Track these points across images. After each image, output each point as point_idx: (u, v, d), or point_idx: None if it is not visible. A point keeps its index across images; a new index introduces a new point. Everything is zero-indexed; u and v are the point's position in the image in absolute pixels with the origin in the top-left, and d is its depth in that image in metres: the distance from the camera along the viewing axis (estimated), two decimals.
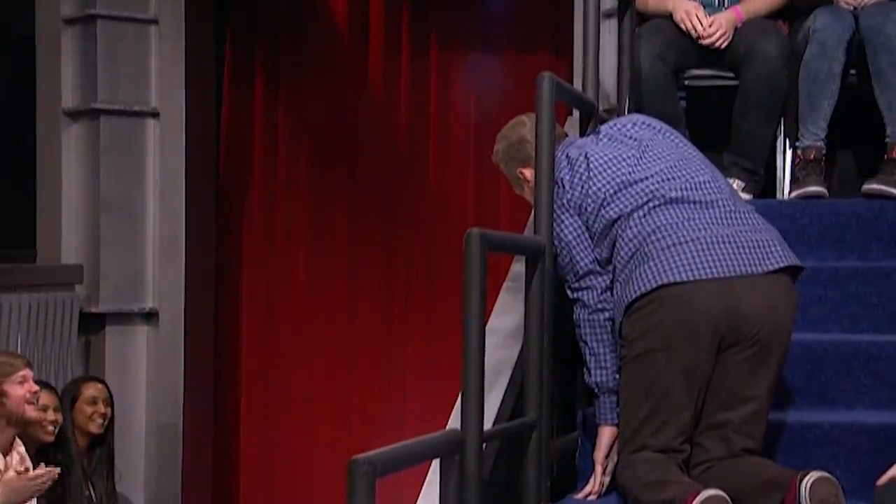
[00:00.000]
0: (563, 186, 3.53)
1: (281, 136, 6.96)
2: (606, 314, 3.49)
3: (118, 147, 6.16)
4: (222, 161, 6.91)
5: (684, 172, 3.47)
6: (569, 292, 3.55)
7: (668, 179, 3.45)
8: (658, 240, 3.35)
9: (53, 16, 6.16)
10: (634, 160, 3.50)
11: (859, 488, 3.39)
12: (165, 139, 6.24)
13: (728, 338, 3.27)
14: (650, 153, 3.52)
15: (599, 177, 3.49)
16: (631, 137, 3.58)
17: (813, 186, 4.39)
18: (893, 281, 3.95)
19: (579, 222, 3.51)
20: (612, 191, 3.46)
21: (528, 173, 3.71)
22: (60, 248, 6.19)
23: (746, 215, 3.43)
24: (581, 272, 3.50)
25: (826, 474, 3.09)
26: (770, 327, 3.29)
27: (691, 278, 3.28)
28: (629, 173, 3.48)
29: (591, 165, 3.51)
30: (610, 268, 3.47)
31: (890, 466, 3.20)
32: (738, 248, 3.33)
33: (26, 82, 6.17)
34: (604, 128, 3.68)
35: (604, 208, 3.46)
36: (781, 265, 3.34)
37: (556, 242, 3.53)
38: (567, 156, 3.57)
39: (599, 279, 3.49)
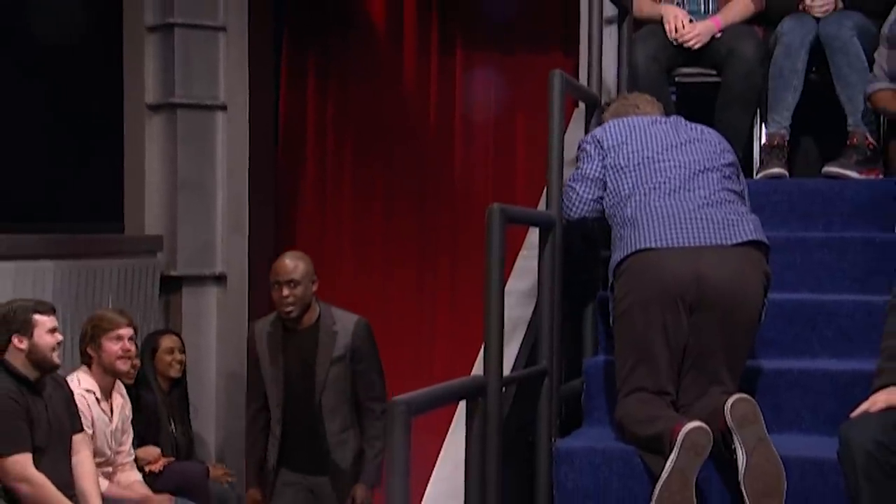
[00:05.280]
0: (601, 145, 3.59)
1: (329, 127, 6.96)
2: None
3: (192, 136, 6.17)
4: (280, 148, 6.91)
5: (696, 169, 3.48)
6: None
7: (680, 171, 3.47)
8: (645, 214, 3.38)
9: (138, 24, 6.17)
10: (667, 148, 3.53)
11: (822, 424, 3.40)
12: (232, 129, 6.26)
13: (696, 301, 3.27)
14: (683, 149, 3.53)
15: (636, 142, 3.53)
16: (684, 133, 3.59)
17: (775, 168, 4.43)
18: (852, 249, 3.95)
19: (600, 174, 3.55)
20: (636, 161, 3.49)
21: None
22: (144, 221, 6.21)
23: (731, 204, 3.43)
24: (576, 201, 3.58)
25: (744, 395, 3.10)
26: (734, 292, 3.27)
27: (664, 245, 3.31)
28: (658, 152, 3.51)
29: (636, 131, 3.56)
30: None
31: (849, 406, 3.21)
32: (712, 224, 3.34)
33: (115, 81, 6.22)
34: (677, 118, 3.70)
35: (620, 164, 3.52)
36: (747, 239, 3.35)
37: (576, 170, 3.60)
38: (627, 122, 3.64)
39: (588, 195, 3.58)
